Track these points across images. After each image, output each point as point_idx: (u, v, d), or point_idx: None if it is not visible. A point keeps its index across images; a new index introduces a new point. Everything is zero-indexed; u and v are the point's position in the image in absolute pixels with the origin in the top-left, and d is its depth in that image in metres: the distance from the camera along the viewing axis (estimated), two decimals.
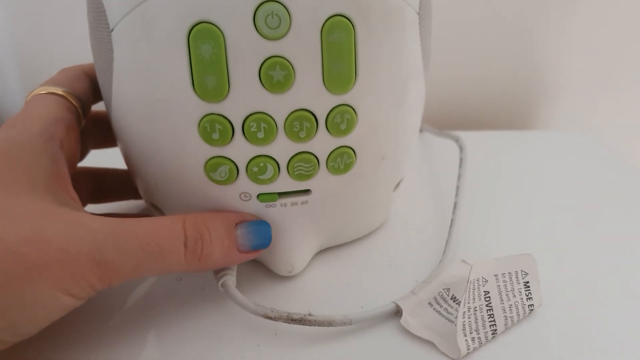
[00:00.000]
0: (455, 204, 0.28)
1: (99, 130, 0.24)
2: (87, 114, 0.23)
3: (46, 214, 0.16)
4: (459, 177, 0.30)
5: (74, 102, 0.21)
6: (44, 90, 0.21)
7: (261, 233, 0.21)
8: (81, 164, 0.23)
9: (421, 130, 0.39)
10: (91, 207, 0.27)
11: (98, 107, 0.23)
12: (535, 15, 0.42)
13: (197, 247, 0.19)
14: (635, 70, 0.46)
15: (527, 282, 0.22)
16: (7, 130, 0.19)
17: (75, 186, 0.20)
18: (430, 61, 0.23)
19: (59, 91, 0.21)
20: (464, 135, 0.34)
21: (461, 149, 0.33)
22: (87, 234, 0.16)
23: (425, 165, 0.35)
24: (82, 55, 0.26)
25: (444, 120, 0.46)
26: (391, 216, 0.28)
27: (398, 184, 0.26)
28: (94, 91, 0.23)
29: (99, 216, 0.18)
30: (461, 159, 0.32)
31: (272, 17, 0.17)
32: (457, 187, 0.29)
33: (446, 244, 0.25)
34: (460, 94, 0.46)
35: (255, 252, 0.21)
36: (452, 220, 0.27)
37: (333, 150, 0.20)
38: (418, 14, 0.20)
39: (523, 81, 0.46)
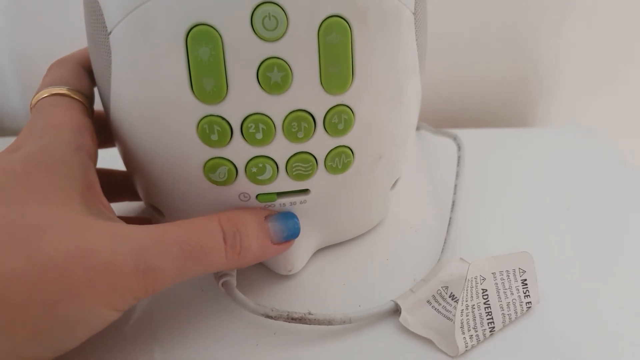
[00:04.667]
0: (454, 202, 0.28)
1: (102, 132, 0.24)
2: (93, 109, 0.22)
3: (87, 227, 0.16)
4: (457, 175, 0.30)
5: (83, 102, 0.21)
6: (48, 92, 0.20)
7: (291, 224, 0.21)
8: None
9: (418, 129, 0.39)
10: None
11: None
12: (532, 12, 0.42)
13: (236, 241, 0.19)
14: (632, 67, 0.46)
15: (525, 280, 0.22)
16: (35, 140, 0.18)
17: None
18: (425, 60, 0.23)
19: (66, 92, 0.21)
20: (461, 133, 0.35)
21: (459, 147, 0.33)
22: (129, 243, 0.16)
23: (423, 163, 0.35)
24: None
25: (441, 118, 0.46)
26: (389, 215, 0.29)
27: (395, 182, 0.26)
28: (93, 82, 0.23)
29: (135, 225, 0.17)
30: (459, 157, 0.32)
31: (270, 19, 0.17)
32: (455, 186, 0.29)
33: (444, 242, 0.26)
34: (458, 91, 0.46)
35: (288, 243, 0.21)
36: (450, 218, 0.27)
37: (331, 150, 0.20)
38: (414, 13, 0.20)
39: (520, 78, 0.46)
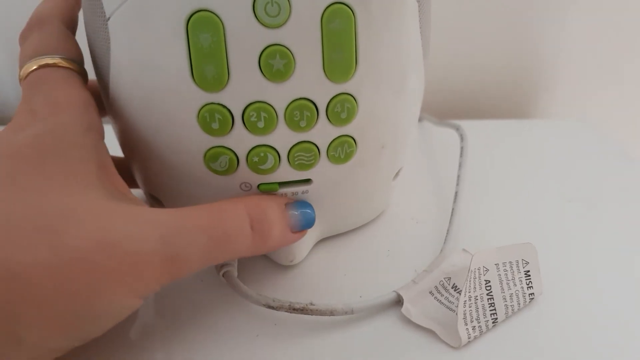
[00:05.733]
0: (456, 193, 0.28)
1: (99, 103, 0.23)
2: (87, 75, 0.21)
3: (110, 213, 0.16)
4: (460, 166, 0.30)
5: (79, 71, 0.20)
6: (38, 63, 0.19)
7: (307, 213, 0.21)
8: None
9: (421, 119, 0.39)
10: None
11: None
12: (534, 4, 0.42)
13: (263, 227, 0.19)
14: (634, 59, 0.46)
15: (528, 271, 0.22)
16: (42, 121, 0.17)
17: None
18: (429, 49, 0.23)
19: (62, 62, 0.19)
20: (463, 124, 0.34)
21: (462, 137, 0.32)
22: (154, 230, 0.16)
23: (426, 154, 0.35)
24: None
25: (443, 109, 0.45)
26: (391, 206, 0.28)
27: (397, 173, 0.26)
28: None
29: (159, 208, 0.17)
30: (462, 148, 0.31)
31: (272, 5, 0.16)
32: (458, 177, 0.29)
33: (447, 233, 0.25)
34: (460, 82, 0.45)
35: (303, 232, 0.21)
36: (453, 209, 0.27)
37: (334, 140, 0.20)
38: (418, 1, 0.20)
39: (522, 70, 0.45)
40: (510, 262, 0.22)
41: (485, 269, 0.21)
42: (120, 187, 0.18)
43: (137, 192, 0.29)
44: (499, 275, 0.21)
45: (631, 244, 0.26)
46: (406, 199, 0.29)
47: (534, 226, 0.27)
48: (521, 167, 0.33)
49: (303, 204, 0.21)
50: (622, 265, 0.24)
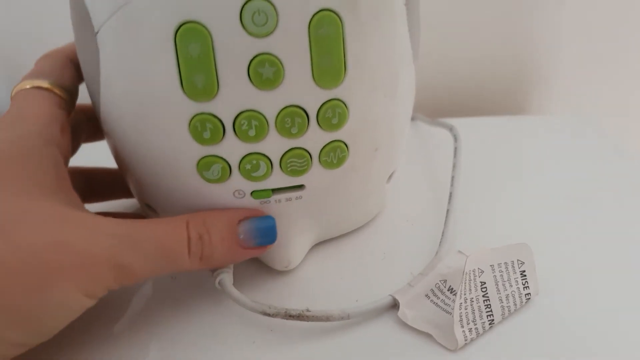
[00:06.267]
0: (451, 194, 0.28)
1: (91, 123, 0.24)
2: (75, 103, 0.22)
3: (62, 219, 0.17)
4: (454, 166, 0.30)
5: (62, 95, 0.21)
6: (29, 84, 0.20)
7: (265, 230, 0.21)
8: (72, 163, 0.23)
9: (413, 119, 0.39)
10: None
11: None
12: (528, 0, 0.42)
13: (197, 249, 0.19)
14: (631, 54, 0.46)
15: (524, 272, 0.22)
16: (5, 131, 0.18)
17: None
18: (419, 50, 0.23)
19: (46, 84, 0.20)
20: (457, 122, 0.34)
21: (455, 138, 0.32)
22: (105, 238, 0.17)
23: (419, 155, 0.35)
24: None
25: (437, 106, 0.45)
26: (386, 209, 0.28)
27: (391, 176, 0.26)
28: (80, 76, 0.23)
29: (110, 218, 0.18)
30: (456, 148, 0.31)
31: (259, 15, 0.16)
32: (452, 177, 0.29)
33: (442, 235, 0.25)
34: (455, 78, 0.45)
35: (261, 248, 0.21)
36: (447, 210, 0.27)
37: (325, 145, 0.20)
38: (405, 5, 0.20)
39: (518, 65, 0.45)
40: (505, 262, 0.22)
41: (480, 271, 0.21)
42: (75, 201, 0.19)
43: (133, 202, 0.29)
44: (495, 276, 0.22)
45: (628, 242, 0.26)
46: (400, 202, 0.29)
47: (530, 225, 0.27)
48: (516, 165, 0.33)
49: (262, 220, 0.21)
50: (619, 264, 0.24)
